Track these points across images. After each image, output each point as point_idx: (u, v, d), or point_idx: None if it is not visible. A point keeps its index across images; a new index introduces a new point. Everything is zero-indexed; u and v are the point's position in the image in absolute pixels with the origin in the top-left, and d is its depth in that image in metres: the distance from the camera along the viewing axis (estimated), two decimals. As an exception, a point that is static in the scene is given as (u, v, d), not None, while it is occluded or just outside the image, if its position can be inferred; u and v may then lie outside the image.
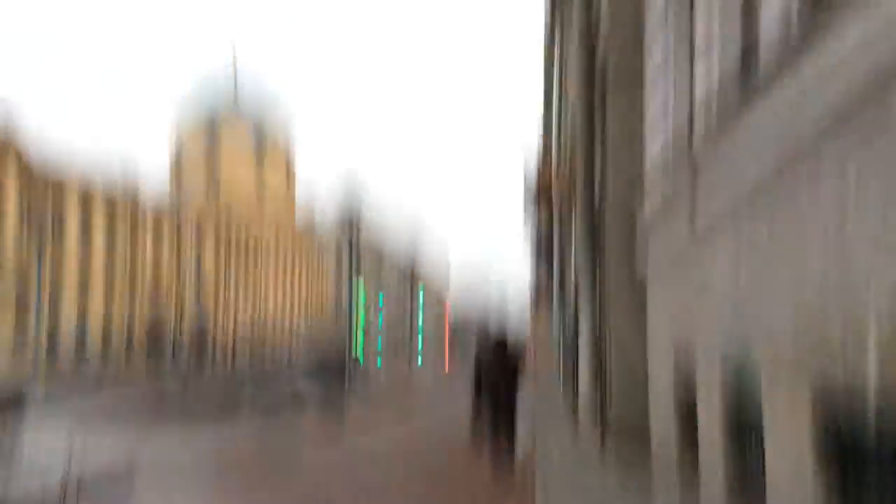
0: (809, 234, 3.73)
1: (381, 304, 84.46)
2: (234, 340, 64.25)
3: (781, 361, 4.10)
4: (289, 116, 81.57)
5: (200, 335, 55.16)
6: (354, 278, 28.80)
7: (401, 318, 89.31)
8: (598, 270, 10.29)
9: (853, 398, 3.31)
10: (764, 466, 4.49)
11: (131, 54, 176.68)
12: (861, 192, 3.17)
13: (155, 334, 51.59)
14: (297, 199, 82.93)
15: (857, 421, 3.48)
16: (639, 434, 8.75)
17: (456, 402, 20.25)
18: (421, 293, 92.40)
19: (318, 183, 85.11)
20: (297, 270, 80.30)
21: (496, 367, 10.49)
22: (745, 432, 5.22)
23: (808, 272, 3.75)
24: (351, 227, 20.54)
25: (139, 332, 51.75)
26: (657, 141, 8.00)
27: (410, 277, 78.97)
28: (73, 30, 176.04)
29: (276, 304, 74.93)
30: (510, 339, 10.81)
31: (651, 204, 7.98)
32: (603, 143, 10.09)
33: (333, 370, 23.70)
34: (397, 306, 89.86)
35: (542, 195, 18.71)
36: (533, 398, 14.00)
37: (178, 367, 45.11)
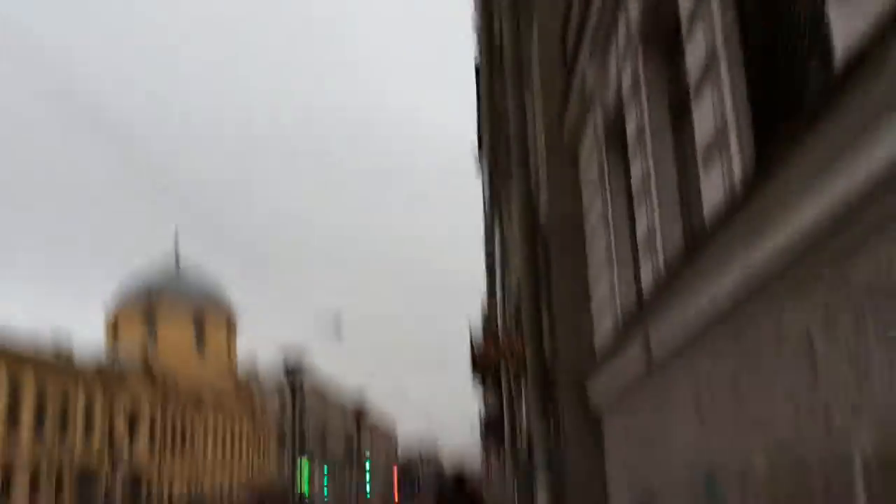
0: (775, 381, 3.76)
1: (325, 481, 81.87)
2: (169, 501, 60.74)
3: (757, 500, 4.01)
4: (229, 296, 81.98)
5: (133, 494, 51.78)
6: (298, 457, 28.03)
7: (346, 485, 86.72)
8: (551, 410, 10.16)
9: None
10: None
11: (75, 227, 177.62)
12: (822, 343, 3.23)
13: (86, 490, 48.31)
14: (237, 372, 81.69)
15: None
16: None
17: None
18: (367, 463, 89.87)
19: (260, 358, 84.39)
20: (237, 438, 77.57)
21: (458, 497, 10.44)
22: None
23: (776, 416, 3.74)
24: (294, 398, 20.04)
25: (69, 485, 48.63)
26: (604, 290, 8.18)
27: (356, 447, 76.72)
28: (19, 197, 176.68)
29: (216, 470, 71.65)
30: (467, 475, 10.88)
31: (602, 345, 8.02)
32: (549, 302, 10.25)
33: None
34: (341, 475, 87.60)
35: (488, 360, 18.64)
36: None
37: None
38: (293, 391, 19.45)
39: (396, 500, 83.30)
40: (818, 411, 3.30)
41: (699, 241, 4.60)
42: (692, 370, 5.15)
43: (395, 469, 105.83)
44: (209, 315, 78.26)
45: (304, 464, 57.67)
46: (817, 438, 3.31)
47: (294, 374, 19.15)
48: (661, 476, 6.09)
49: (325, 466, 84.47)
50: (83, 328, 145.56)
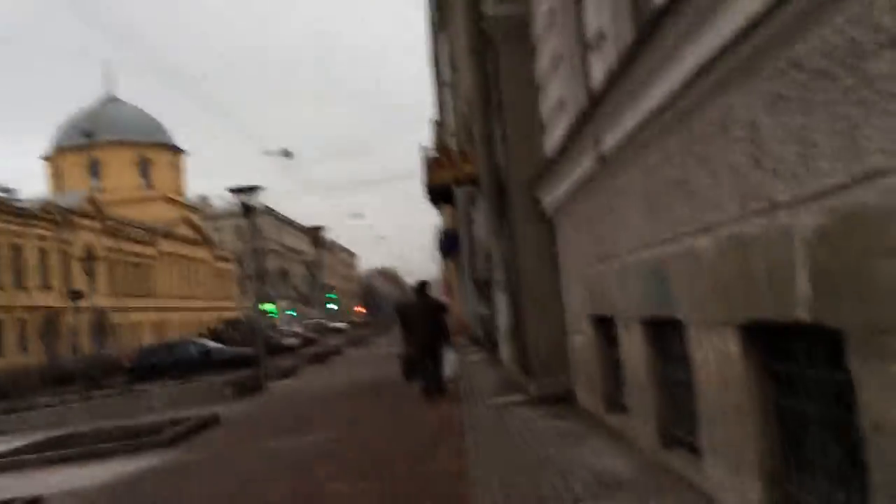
0: (722, 167, 3.80)
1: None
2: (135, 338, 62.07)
3: (704, 293, 4.19)
4: (174, 136, 79.51)
5: (99, 341, 52.68)
6: (261, 296, 28.51)
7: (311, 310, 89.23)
8: (505, 221, 10.36)
9: (778, 328, 3.40)
10: (691, 395, 4.60)
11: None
12: (771, 130, 3.24)
13: (51, 338, 49.06)
14: (191, 214, 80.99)
15: (783, 350, 3.59)
16: (559, 368, 8.89)
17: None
18: (331, 296, 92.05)
19: (214, 200, 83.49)
20: (198, 280, 78.34)
21: (421, 313, 11.43)
22: (669, 363, 5.35)
23: (723, 202, 3.83)
24: (252, 237, 19.99)
25: (34, 333, 49.38)
26: (555, 93, 8.09)
27: (318, 280, 78.33)
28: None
29: (181, 314, 72.92)
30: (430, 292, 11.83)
31: (553, 141, 8.02)
32: (499, 112, 10.14)
33: (249, 359, 23.37)
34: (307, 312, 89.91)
35: (442, 176, 18.69)
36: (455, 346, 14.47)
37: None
38: (251, 231, 19.45)
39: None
40: (763, 195, 3.36)
41: (648, 36, 4.47)
42: (642, 164, 5.20)
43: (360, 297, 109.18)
44: (154, 155, 76.46)
45: (267, 304, 58.94)
46: (761, 221, 3.40)
47: (250, 213, 18.93)
48: (612, 271, 6.30)
49: (293, 310, 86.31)
50: (25, 182, 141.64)
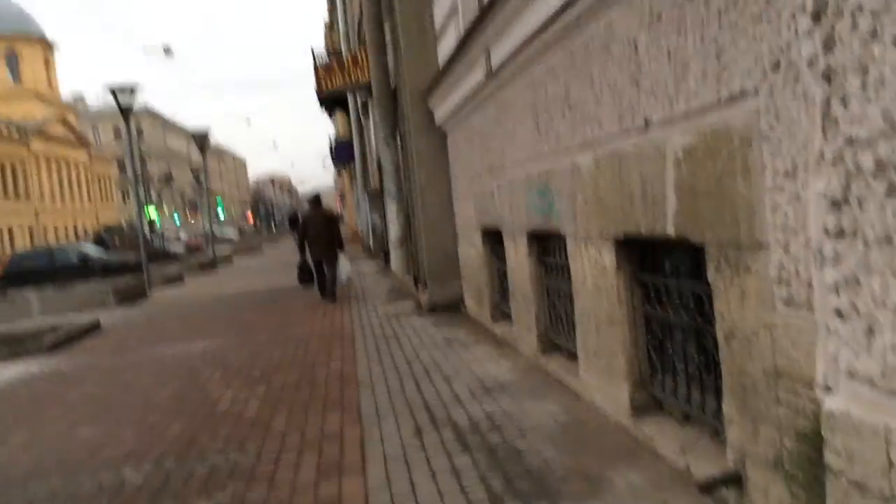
0: (602, 85, 3.92)
1: (177, 225, 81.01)
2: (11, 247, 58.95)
3: (584, 207, 4.37)
4: (42, 28, 73.57)
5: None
6: (142, 200, 27.39)
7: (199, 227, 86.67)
8: (398, 134, 10.34)
9: (648, 242, 3.62)
10: (570, 305, 4.86)
11: None
12: (651, 47, 3.35)
13: None
14: (65, 111, 76.07)
15: (652, 264, 3.83)
16: (449, 278, 9.13)
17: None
18: (219, 202, 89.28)
19: (90, 98, 78.63)
20: (75, 180, 74.46)
21: (316, 222, 12.12)
22: (550, 274, 5.60)
23: (603, 119, 3.97)
24: (130, 137, 18.90)
25: None
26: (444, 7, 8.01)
27: (204, 183, 75.71)
28: None
29: (57, 216, 69.42)
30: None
31: (445, 50, 8.00)
32: (392, 20, 9.94)
33: (132, 265, 22.74)
34: (193, 219, 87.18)
35: (333, 83, 18.28)
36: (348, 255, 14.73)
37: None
38: (130, 133, 18.44)
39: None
40: (639, 112, 3.51)
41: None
42: (528, 78, 5.28)
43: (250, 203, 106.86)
44: (22, 47, 70.99)
45: (150, 209, 56.64)
46: (637, 138, 3.55)
47: (128, 113, 17.94)
48: (501, 185, 6.45)
49: (176, 213, 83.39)
50: None
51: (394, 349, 7.28)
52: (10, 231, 61.11)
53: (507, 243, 6.52)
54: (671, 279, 3.66)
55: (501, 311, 7.41)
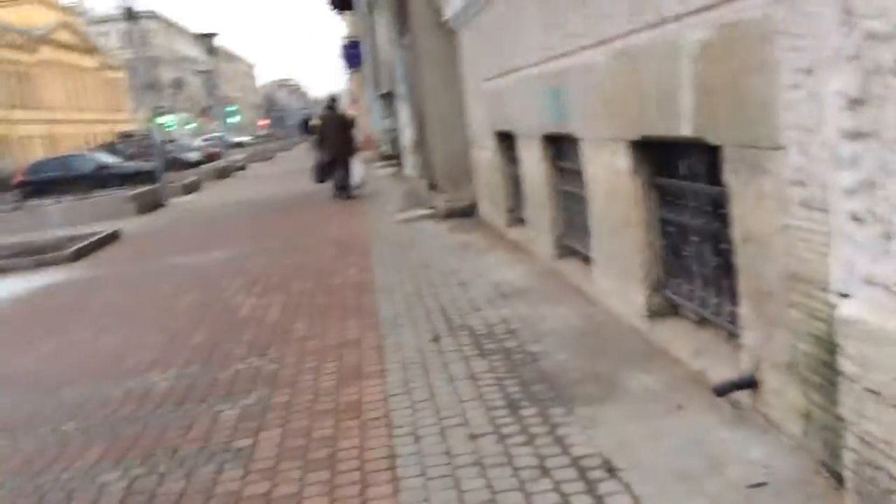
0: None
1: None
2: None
3: (598, 108, 4.29)
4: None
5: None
6: (154, 108, 27.17)
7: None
8: (407, 34, 10.11)
9: (664, 144, 3.56)
10: (585, 208, 4.84)
11: None
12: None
13: None
14: (71, 19, 74.67)
15: (668, 165, 3.77)
16: (463, 183, 9.11)
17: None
18: (232, 109, 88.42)
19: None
20: (86, 91, 73.88)
21: (331, 125, 13.02)
22: (565, 178, 5.56)
23: (616, 14, 3.84)
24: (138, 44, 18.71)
25: None
26: None
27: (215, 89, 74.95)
28: None
29: (71, 127, 69.26)
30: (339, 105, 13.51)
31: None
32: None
33: (148, 174, 22.81)
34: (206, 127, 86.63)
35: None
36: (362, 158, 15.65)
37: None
38: (137, 37, 18.17)
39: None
40: (653, 7, 3.38)
41: None
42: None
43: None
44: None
45: (164, 116, 56.21)
46: (651, 34, 3.44)
47: (134, 16, 17.58)
48: (513, 86, 6.32)
49: (190, 121, 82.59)
50: None
51: (409, 255, 7.32)
52: (25, 140, 61.12)
53: (521, 147, 6.44)
54: (687, 182, 3.61)
55: (516, 215, 7.39)
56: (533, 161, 6.07)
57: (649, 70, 3.52)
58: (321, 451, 3.21)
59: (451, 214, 9.16)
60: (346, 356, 4.47)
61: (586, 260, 5.26)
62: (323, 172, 13.45)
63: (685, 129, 3.25)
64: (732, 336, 3.32)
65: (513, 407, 3.38)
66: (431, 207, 9.75)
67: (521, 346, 4.17)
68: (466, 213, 9.11)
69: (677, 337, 3.72)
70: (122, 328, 6.02)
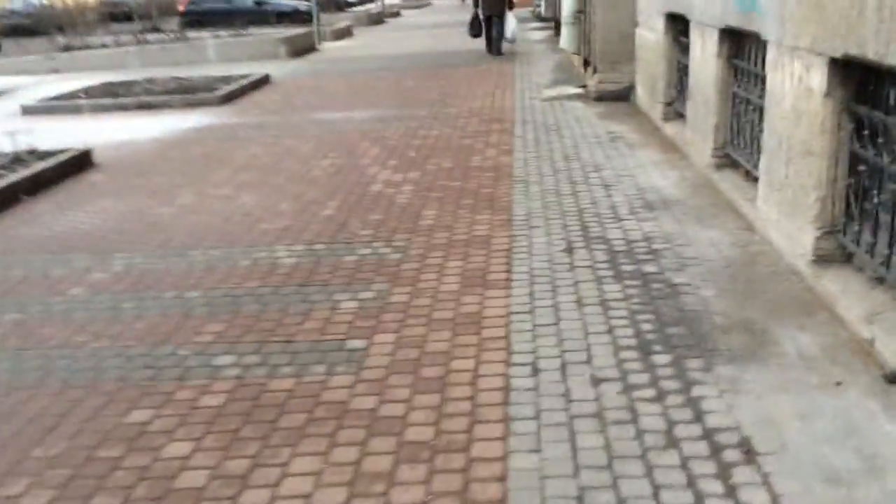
0: None
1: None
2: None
3: (799, 10, 3.65)
4: None
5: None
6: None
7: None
8: None
9: (872, 69, 2.95)
10: (759, 122, 4.26)
11: None
12: None
13: None
14: None
15: (871, 95, 3.16)
16: (622, 63, 8.45)
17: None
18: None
19: None
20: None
21: None
22: (741, 82, 4.92)
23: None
24: None
25: None
26: None
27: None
28: None
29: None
30: None
31: None
32: None
33: (305, 14, 22.86)
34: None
35: None
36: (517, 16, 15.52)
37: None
38: None
39: None
40: None
41: None
42: None
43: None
44: None
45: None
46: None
47: None
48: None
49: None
50: None
51: (553, 141, 6.89)
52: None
53: (694, 36, 5.74)
54: (892, 116, 3.02)
55: (675, 109, 6.75)
56: (706, 54, 5.40)
57: (873, -25, 2.88)
58: (433, 370, 3.05)
59: (602, 97, 8.54)
60: (473, 256, 4.24)
61: (751, 178, 4.71)
62: (478, 27, 14.02)
63: (908, 59, 2.65)
64: (918, 309, 2.84)
65: (645, 350, 3.07)
66: (583, 86, 9.14)
67: (662, 274, 3.80)
68: (621, 96, 8.46)
69: (847, 292, 3.24)
70: (260, 188, 6.03)
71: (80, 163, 7.03)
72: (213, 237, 4.90)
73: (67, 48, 17.12)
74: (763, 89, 4.28)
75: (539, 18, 21.14)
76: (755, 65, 4.55)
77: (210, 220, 5.28)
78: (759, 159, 4.36)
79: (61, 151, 7.05)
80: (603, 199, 5.07)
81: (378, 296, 3.81)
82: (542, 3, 20.57)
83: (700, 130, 5.58)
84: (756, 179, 4.47)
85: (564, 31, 9.82)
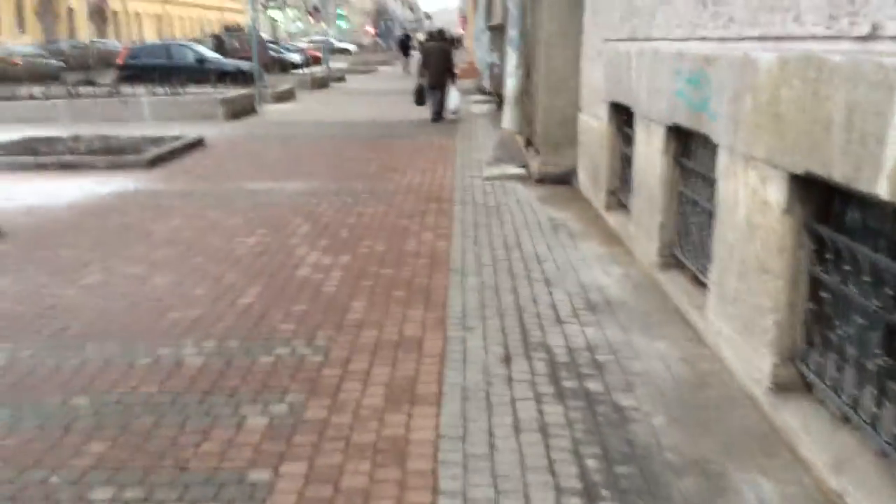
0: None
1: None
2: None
3: (753, 119, 3.44)
4: None
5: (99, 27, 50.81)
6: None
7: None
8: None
9: (846, 188, 2.73)
10: (709, 229, 4.03)
11: None
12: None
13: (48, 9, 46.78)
14: None
15: (835, 216, 2.94)
16: (564, 146, 8.30)
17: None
18: (339, 14, 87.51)
19: None
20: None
21: (436, 53, 14.86)
22: (689, 181, 4.71)
23: (805, 8, 2.97)
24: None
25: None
26: None
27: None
28: None
29: (184, 2, 69.81)
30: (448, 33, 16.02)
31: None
32: None
33: (247, 74, 22.53)
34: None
35: None
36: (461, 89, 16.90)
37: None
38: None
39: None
40: (864, 9, 2.53)
41: None
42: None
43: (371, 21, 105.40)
44: None
45: (275, 13, 56.09)
46: (852, 46, 2.60)
47: None
48: (643, 55, 5.42)
49: (298, 20, 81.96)
50: None
51: (493, 225, 6.62)
52: (139, 18, 61.94)
53: (639, 129, 5.57)
54: (862, 244, 2.79)
55: (618, 198, 6.57)
56: (651, 149, 5.22)
57: (839, 93, 2.67)
58: (347, 515, 2.63)
59: (544, 179, 8.36)
60: (402, 362, 3.85)
61: (698, 282, 4.47)
62: (422, 96, 15.07)
63: (881, 186, 2.42)
64: (887, 458, 2.56)
65: (591, 496, 2.70)
66: (524, 166, 8.95)
67: (607, 393, 3.47)
68: (562, 180, 8.30)
69: (810, 431, 2.94)
70: (177, 267, 5.56)
71: (-18, 230, 6.46)
72: (115, 326, 4.41)
73: (-6, 98, 16.38)
74: (713, 192, 4.07)
75: (482, 92, 21.27)
76: (705, 167, 4.36)
77: (115, 304, 4.78)
78: (707, 265, 4.13)
79: (-39, 216, 6.48)
80: (544, 297, 4.77)
81: (291, 410, 3.37)
82: (487, 77, 20.73)
83: (644, 227, 5.36)
84: (704, 285, 4.23)
85: (507, 110, 9.69)
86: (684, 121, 4.50)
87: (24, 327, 4.42)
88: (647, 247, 5.23)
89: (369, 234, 6.39)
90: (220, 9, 75.80)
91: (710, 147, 4.12)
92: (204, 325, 4.41)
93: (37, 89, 17.70)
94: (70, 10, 46.49)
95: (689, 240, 4.72)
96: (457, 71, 16.01)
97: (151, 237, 6.43)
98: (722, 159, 3.84)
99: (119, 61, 25.97)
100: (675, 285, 4.69)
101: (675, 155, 4.88)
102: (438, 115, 14.91)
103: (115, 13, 57.27)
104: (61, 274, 5.43)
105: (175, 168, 9.85)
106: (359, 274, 5.34)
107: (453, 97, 14.99)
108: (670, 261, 4.97)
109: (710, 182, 4.22)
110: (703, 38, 4.23)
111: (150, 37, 58.06)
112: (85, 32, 45.17)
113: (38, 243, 6.25)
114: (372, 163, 10.12)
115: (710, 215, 4.16)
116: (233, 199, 7.84)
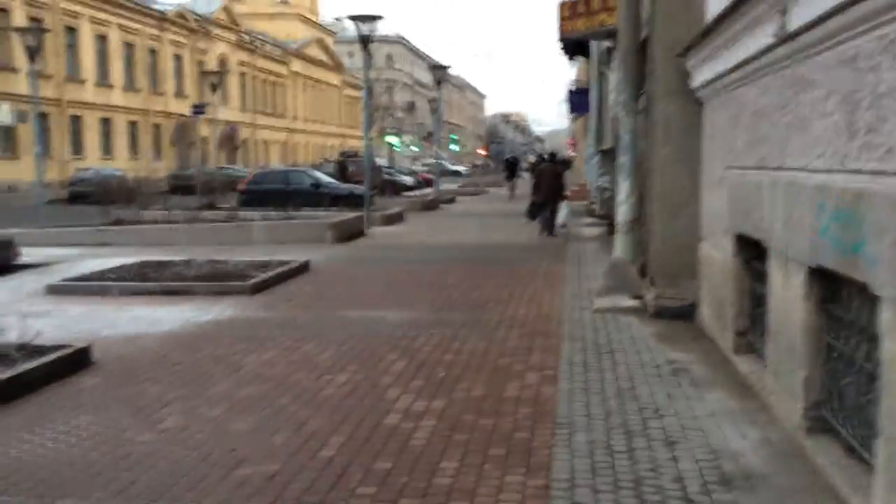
0: None
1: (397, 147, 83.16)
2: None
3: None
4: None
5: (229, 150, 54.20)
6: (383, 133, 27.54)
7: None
8: (642, 96, 8.79)
9: None
10: (869, 387, 3.29)
11: None
12: None
13: (182, 142, 50.03)
14: (324, 34, 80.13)
15: None
16: (683, 277, 7.60)
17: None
18: (452, 138, 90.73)
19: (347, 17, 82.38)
20: (327, 103, 78.70)
21: (548, 174, 16.58)
22: (840, 333, 3.97)
23: None
24: (367, 65, 19.07)
25: (168, 136, 50.68)
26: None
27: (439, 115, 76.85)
28: None
29: (308, 137, 73.79)
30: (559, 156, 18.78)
31: (717, 12, 6.33)
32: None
33: (360, 198, 23.07)
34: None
35: (577, 24, 16.82)
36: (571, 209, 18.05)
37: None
38: (367, 60, 18.50)
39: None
40: None
41: None
42: (848, 54, 3.63)
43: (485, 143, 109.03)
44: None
45: (392, 139, 59.01)
46: None
47: (367, 41, 17.68)
48: (774, 186, 4.83)
49: (413, 144, 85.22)
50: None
51: (605, 368, 5.98)
52: (267, 145, 65.83)
53: (774, 267, 4.91)
54: None
55: (749, 340, 5.83)
56: (789, 293, 4.53)
57: None
58: None
59: (661, 314, 7.67)
60: (495, 550, 3.24)
61: (857, 456, 3.68)
62: (535, 212, 16.68)
63: None
64: None
65: None
66: (638, 297, 8.30)
67: None
68: (682, 314, 7.58)
69: None
70: (259, 409, 5.18)
71: (76, 362, 6.28)
72: (182, 484, 4.00)
73: (118, 222, 17.16)
74: (872, 348, 3.37)
75: (592, 214, 20.84)
76: (862, 318, 3.66)
77: (187, 456, 4.40)
78: (868, 435, 3.37)
79: (58, 347, 6.34)
80: (667, 465, 4.06)
81: None
82: (598, 201, 20.36)
83: (785, 381, 4.61)
84: (864, 461, 3.45)
85: (619, 239, 9.14)
86: (832, 264, 3.84)
87: (92, 479, 4.09)
88: (790, 404, 4.46)
89: (467, 375, 5.87)
90: (341, 136, 79.78)
91: (867, 298, 3.44)
92: (276, 485, 3.95)
93: (160, 213, 18.45)
94: (203, 139, 49.73)
95: (842, 403, 3.95)
96: (567, 193, 17.82)
97: (240, 372, 6.13)
98: (886, 314, 3.16)
99: (241, 186, 27.15)
100: (826, 457, 3.90)
101: (819, 300, 4.18)
102: (547, 228, 16.06)
103: (244, 140, 61.17)
104: (140, 414, 5.14)
105: (278, 294, 9.74)
106: (453, 425, 4.80)
107: (563, 212, 16.44)
108: (819, 424, 4.18)
109: (867, 335, 3.52)
110: (851, 168, 3.63)
111: (276, 162, 61.52)
112: (214, 159, 48.15)
113: (126, 377, 6.05)
114: (475, 290, 9.70)
115: (871, 377, 3.43)
116: (329, 330, 7.53)
